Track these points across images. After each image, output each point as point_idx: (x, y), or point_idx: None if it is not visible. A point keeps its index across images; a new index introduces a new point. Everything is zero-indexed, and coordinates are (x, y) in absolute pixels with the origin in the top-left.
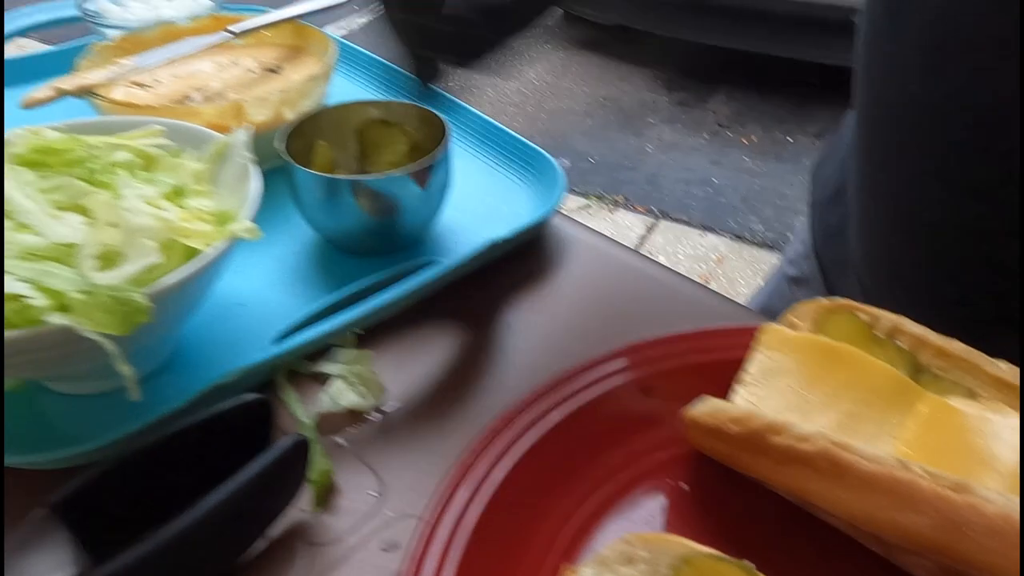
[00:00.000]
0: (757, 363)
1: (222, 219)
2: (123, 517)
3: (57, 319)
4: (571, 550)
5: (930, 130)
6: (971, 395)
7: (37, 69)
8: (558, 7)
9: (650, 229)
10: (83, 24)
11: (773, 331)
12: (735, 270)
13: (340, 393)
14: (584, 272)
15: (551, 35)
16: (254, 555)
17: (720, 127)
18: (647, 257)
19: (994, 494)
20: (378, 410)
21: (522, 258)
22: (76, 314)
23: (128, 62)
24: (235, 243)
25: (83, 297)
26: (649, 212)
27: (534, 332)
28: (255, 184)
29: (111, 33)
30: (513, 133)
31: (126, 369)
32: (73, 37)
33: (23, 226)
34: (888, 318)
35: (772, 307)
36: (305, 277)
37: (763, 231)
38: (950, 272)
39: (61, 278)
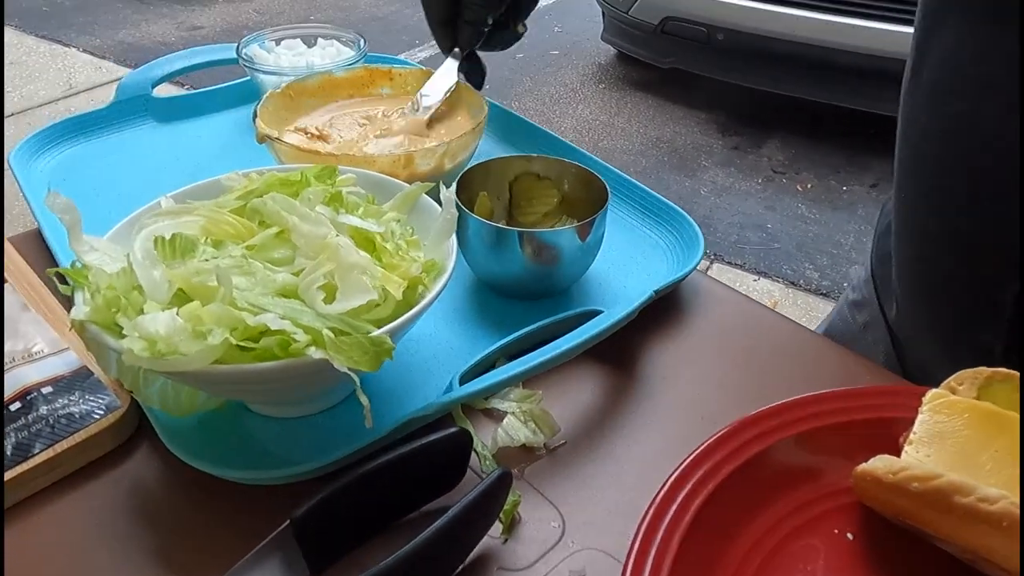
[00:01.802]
0: (923, 425)
1: (430, 267)
2: (337, 533)
3: (317, 353)
4: None
5: (935, 155)
6: None
7: (204, 103)
8: (612, 47)
9: (704, 271)
10: (228, 67)
11: (937, 395)
12: (789, 316)
13: (514, 429)
14: (720, 322)
15: (605, 74)
16: None
17: (775, 173)
18: (777, 312)
19: None
20: (546, 446)
21: (664, 308)
22: (331, 351)
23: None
24: (443, 290)
25: (336, 337)
26: (703, 255)
27: (683, 377)
28: (455, 237)
29: (264, 78)
30: (650, 190)
31: (365, 400)
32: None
33: (272, 263)
34: None
35: (834, 329)
36: (468, 318)
37: (818, 279)
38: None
39: (309, 315)
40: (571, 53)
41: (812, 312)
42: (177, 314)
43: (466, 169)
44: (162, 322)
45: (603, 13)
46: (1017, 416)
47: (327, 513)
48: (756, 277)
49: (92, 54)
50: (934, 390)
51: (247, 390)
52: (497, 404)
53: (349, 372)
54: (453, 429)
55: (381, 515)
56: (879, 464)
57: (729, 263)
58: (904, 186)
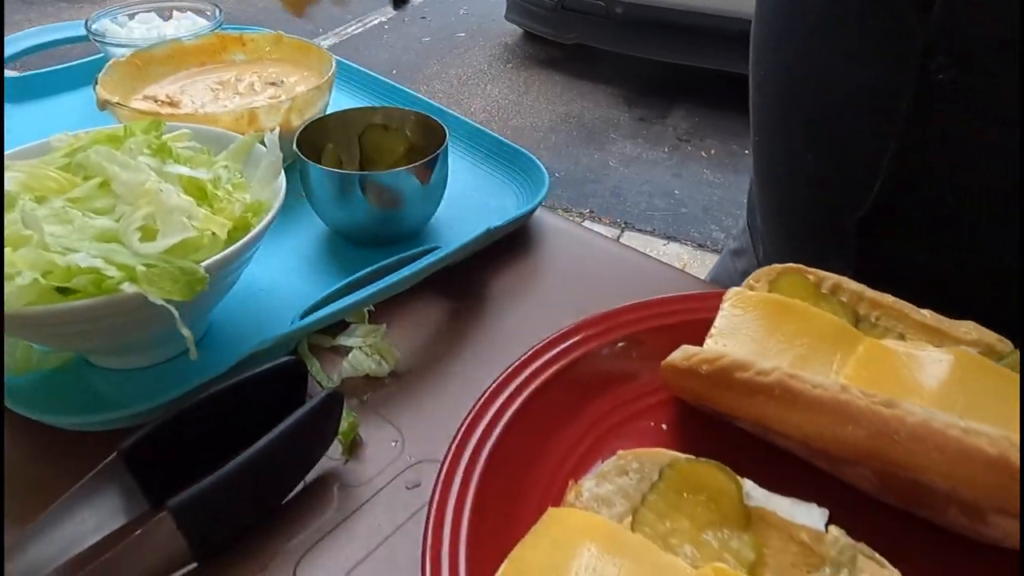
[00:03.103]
0: (722, 319)
1: (256, 208)
2: (177, 466)
3: (130, 287)
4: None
5: (776, 96)
6: (901, 337)
7: (55, 83)
8: (517, 26)
9: (616, 240)
10: (85, 43)
11: (735, 292)
12: (698, 277)
13: (359, 361)
14: (565, 256)
15: (512, 54)
16: (294, 498)
17: (680, 141)
18: (620, 243)
19: (917, 407)
20: (392, 375)
21: (512, 245)
22: (144, 284)
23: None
24: (269, 227)
25: (147, 269)
26: (614, 223)
27: (524, 307)
28: (283, 177)
29: (116, 51)
30: (498, 136)
31: (186, 331)
32: (76, 56)
33: (95, 212)
34: (831, 277)
35: (719, 278)
36: (318, 266)
37: (724, 239)
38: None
39: (125, 254)
40: (477, 34)
41: None
42: None
43: (307, 123)
44: None
45: None
46: (803, 303)
47: (160, 445)
48: (666, 242)
49: None
50: (734, 288)
51: (70, 334)
52: (344, 340)
53: (166, 305)
54: (285, 359)
55: (223, 446)
56: (678, 354)
57: (639, 230)
58: (757, 129)
